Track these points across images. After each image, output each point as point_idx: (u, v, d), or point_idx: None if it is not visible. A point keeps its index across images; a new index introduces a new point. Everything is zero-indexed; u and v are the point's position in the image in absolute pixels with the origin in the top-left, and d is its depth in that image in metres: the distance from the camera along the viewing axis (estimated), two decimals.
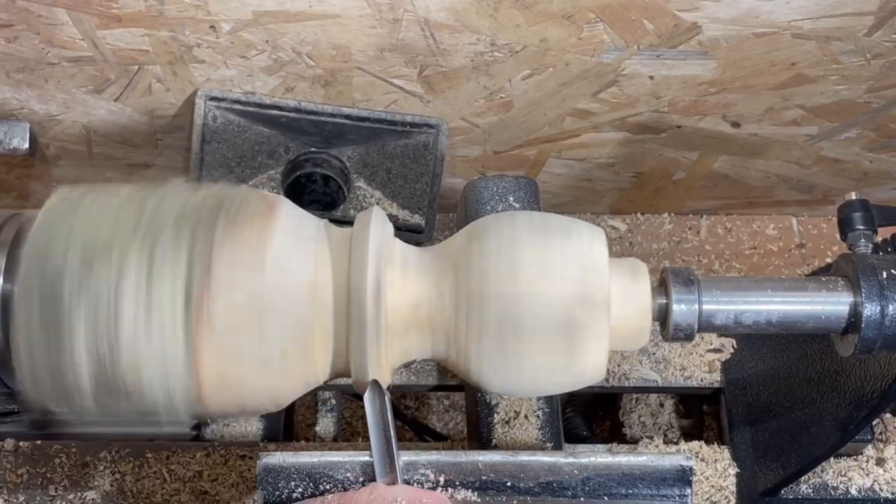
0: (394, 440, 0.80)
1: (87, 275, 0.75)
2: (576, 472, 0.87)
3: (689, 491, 0.88)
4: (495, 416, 1.03)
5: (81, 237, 0.76)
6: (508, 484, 0.86)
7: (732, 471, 1.07)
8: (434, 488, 0.85)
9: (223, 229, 0.76)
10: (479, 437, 1.03)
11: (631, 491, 0.87)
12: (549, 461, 0.87)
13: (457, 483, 0.85)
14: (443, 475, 0.85)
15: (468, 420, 1.10)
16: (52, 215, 0.78)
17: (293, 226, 0.79)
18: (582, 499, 0.87)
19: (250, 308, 0.76)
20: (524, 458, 0.87)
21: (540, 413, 1.03)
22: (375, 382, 0.79)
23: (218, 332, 0.75)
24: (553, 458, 0.88)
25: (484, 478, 0.86)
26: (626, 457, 0.88)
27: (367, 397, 0.79)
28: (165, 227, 0.76)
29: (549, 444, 1.02)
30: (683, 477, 0.88)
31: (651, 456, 0.88)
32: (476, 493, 0.85)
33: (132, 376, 0.76)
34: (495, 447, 1.02)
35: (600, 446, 1.16)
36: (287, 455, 0.86)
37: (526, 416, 1.03)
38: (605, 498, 0.87)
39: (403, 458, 0.85)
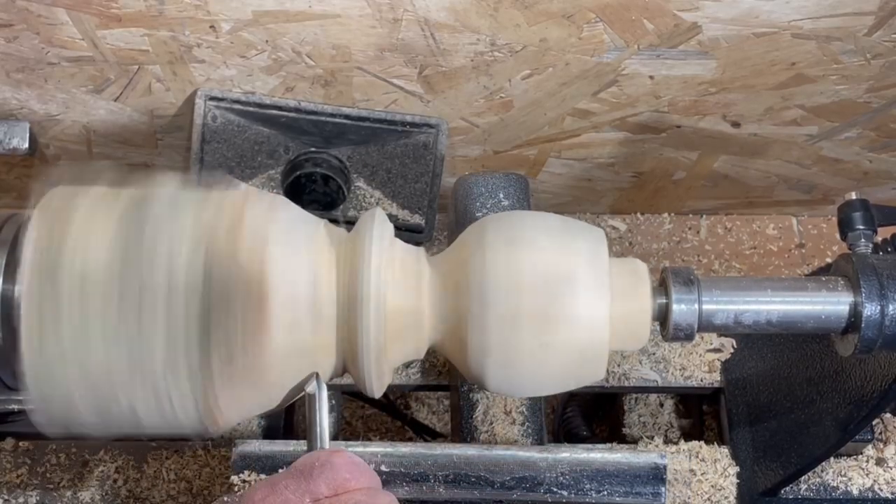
0: (319, 436, 0.79)
1: (102, 414, 0.79)
2: (550, 467, 0.88)
3: (662, 489, 0.88)
4: (477, 412, 1.03)
5: (76, 368, 0.76)
6: (483, 477, 0.86)
7: (732, 470, 1.07)
8: (410, 482, 0.86)
9: (219, 365, 0.76)
10: (462, 433, 1.04)
11: (605, 488, 0.88)
12: (523, 456, 0.88)
13: (430, 476, 0.86)
14: (418, 468, 0.86)
15: (452, 416, 1.11)
16: (34, 324, 0.76)
17: (289, 320, 0.78)
18: (556, 494, 0.87)
19: (260, 400, 0.81)
20: (498, 452, 0.88)
21: (524, 409, 1.03)
22: (316, 375, 0.79)
23: (229, 415, 0.80)
24: (527, 454, 0.88)
25: (458, 471, 0.87)
26: (600, 454, 0.89)
27: (307, 391, 0.80)
28: (157, 351, 0.76)
29: (530, 441, 1.02)
30: (657, 475, 0.88)
31: (625, 453, 0.89)
32: (450, 487, 0.86)
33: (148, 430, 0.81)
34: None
35: (589, 445, 1.16)
36: (263, 444, 0.88)
37: (508, 413, 1.03)
38: (580, 494, 0.87)
39: (379, 449, 0.85)
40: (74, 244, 0.76)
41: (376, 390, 0.82)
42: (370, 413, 1.48)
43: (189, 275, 0.75)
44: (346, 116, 1.27)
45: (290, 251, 0.78)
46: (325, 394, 0.79)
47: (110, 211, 0.78)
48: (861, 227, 0.98)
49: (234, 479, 0.89)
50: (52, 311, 0.75)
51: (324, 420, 0.79)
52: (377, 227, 0.81)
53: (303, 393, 0.80)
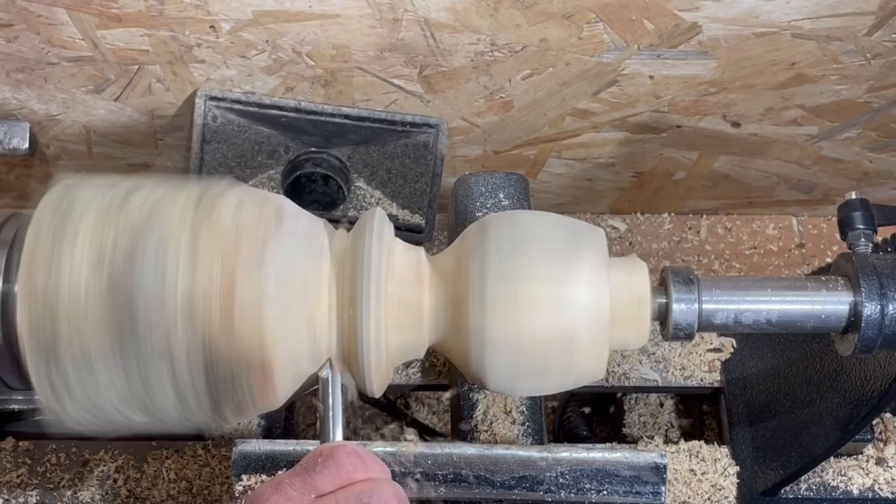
0: (331, 424, 0.79)
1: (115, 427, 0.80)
2: (550, 466, 0.88)
3: (662, 488, 0.88)
4: (477, 412, 1.03)
5: (88, 408, 0.77)
6: (483, 477, 0.86)
7: (732, 470, 1.07)
8: (415, 481, 0.86)
9: (230, 415, 0.78)
10: (462, 433, 1.04)
11: (605, 487, 0.88)
12: (523, 455, 0.88)
13: (431, 475, 0.86)
14: (418, 468, 0.86)
15: (452, 416, 1.11)
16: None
17: (293, 373, 0.79)
18: (556, 494, 0.87)
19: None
20: (499, 451, 0.88)
21: (524, 409, 1.03)
22: (329, 361, 0.79)
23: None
24: (528, 453, 0.88)
25: (459, 471, 0.87)
26: (600, 453, 0.89)
27: (321, 375, 0.79)
28: (169, 408, 0.77)
29: (530, 441, 1.02)
30: (657, 474, 0.88)
31: (626, 452, 0.89)
32: (450, 486, 0.86)
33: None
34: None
35: (589, 445, 1.16)
36: (263, 443, 0.88)
37: (508, 413, 1.03)
38: (579, 493, 0.87)
39: (379, 449, 0.85)
40: (68, 314, 0.74)
41: (377, 390, 0.82)
42: (370, 413, 1.48)
43: (190, 356, 0.75)
44: (346, 116, 1.27)
45: (287, 311, 0.77)
46: (338, 378, 0.79)
47: (98, 268, 0.75)
48: (861, 226, 0.98)
49: (238, 487, 0.89)
50: (58, 373, 0.76)
51: (337, 406, 0.79)
52: (377, 227, 0.81)
53: (313, 388, 0.80)
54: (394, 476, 0.84)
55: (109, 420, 0.78)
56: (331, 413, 0.79)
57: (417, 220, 1.33)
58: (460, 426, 1.04)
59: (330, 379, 0.79)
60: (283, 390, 0.78)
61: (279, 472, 0.83)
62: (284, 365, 0.77)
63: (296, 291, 0.77)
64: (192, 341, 0.74)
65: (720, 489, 1.07)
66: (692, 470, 1.07)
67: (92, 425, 0.79)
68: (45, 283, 0.74)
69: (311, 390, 0.84)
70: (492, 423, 1.03)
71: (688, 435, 1.24)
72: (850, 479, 1.07)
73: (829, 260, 1.42)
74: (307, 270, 0.78)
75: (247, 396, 0.77)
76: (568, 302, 0.79)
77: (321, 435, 0.79)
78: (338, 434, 0.79)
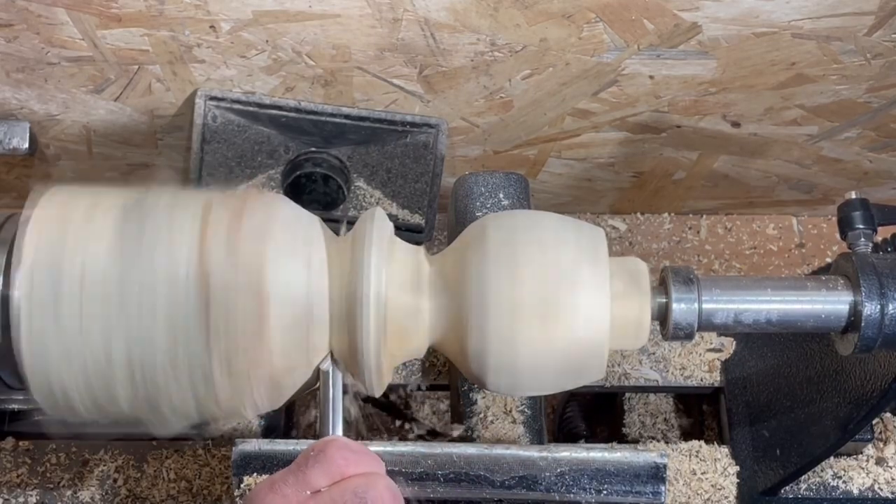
0: (332, 417, 0.79)
1: (101, 411, 0.80)
2: (550, 466, 0.88)
3: (662, 488, 0.88)
4: (477, 411, 1.03)
5: (76, 367, 0.77)
6: (483, 477, 0.86)
7: (732, 470, 1.07)
8: (410, 481, 0.86)
9: (219, 366, 0.76)
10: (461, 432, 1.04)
11: (605, 487, 0.88)
12: (523, 455, 0.88)
13: (431, 475, 0.86)
14: (418, 467, 0.86)
15: (452, 416, 1.11)
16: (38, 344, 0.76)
17: (288, 321, 0.77)
18: (555, 494, 0.87)
19: (258, 400, 0.80)
20: (499, 451, 0.88)
21: (524, 409, 1.03)
22: (331, 353, 0.79)
23: (227, 412, 0.81)
24: (527, 453, 0.88)
25: (459, 470, 0.87)
26: (600, 453, 0.89)
27: (321, 368, 0.79)
28: (157, 353, 0.76)
29: (530, 441, 1.02)
30: (657, 474, 0.88)
31: (625, 452, 0.89)
32: (450, 486, 0.86)
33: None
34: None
35: (589, 445, 1.16)
36: (263, 443, 0.88)
37: (508, 413, 1.03)
38: (579, 493, 0.87)
39: (379, 449, 0.85)
40: (74, 246, 0.76)
41: (376, 389, 0.82)
42: (370, 413, 1.48)
43: (188, 278, 0.75)
44: (346, 116, 1.27)
45: (289, 251, 0.78)
46: (339, 373, 0.79)
47: (109, 211, 0.78)
48: (861, 226, 0.98)
49: (238, 488, 0.89)
50: (51, 313, 0.75)
51: (337, 401, 0.79)
52: (377, 226, 0.81)
53: (312, 388, 0.80)
54: (393, 475, 0.85)
55: (93, 390, 0.77)
56: (330, 407, 0.78)
57: (417, 220, 1.33)
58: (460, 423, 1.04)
59: (331, 372, 0.78)
60: (274, 341, 0.77)
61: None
62: (281, 303, 0.77)
63: (299, 238, 0.79)
64: (193, 256, 0.75)
65: (720, 489, 1.07)
66: (692, 470, 1.07)
67: (73, 402, 0.78)
68: (58, 208, 0.79)
69: (311, 390, 0.84)
70: (492, 423, 1.03)
71: (688, 435, 1.24)
72: (850, 479, 1.07)
73: (829, 260, 1.42)
74: (312, 240, 0.80)
75: (239, 342, 0.76)
76: (568, 318, 0.80)
77: (320, 430, 0.79)
78: (337, 429, 0.79)
